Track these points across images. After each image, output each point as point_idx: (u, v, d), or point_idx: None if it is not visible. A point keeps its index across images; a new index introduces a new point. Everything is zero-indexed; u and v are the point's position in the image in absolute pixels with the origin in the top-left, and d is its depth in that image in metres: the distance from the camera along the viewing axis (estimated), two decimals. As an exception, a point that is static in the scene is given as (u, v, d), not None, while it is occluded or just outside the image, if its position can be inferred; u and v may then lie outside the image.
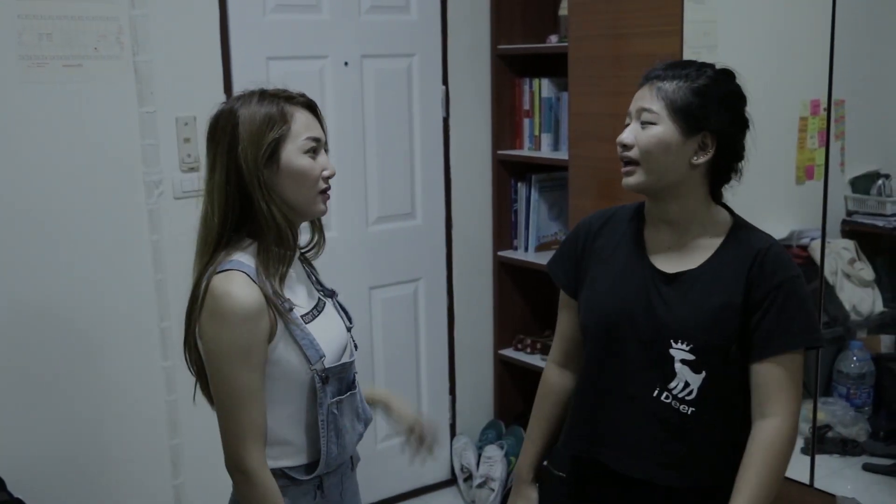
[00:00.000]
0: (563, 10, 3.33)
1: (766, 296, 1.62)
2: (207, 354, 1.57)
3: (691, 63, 1.67)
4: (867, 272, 2.99)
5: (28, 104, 2.55)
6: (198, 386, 1.69)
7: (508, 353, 3.67)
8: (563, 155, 3.26)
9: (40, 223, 2.60)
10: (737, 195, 1.76)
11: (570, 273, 1.84)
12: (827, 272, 2.87)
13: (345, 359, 1.68)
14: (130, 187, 2.74)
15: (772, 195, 2.92)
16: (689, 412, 1.65)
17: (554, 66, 3.38)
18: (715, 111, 1.62)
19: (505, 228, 3.64)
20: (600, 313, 1.73)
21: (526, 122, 3.52)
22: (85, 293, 2.69)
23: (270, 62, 2.98)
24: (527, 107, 3.51)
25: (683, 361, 1.64)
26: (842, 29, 2.44)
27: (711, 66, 1.66)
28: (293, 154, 1.58)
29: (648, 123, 1.63)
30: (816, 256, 2.71)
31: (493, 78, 3.52)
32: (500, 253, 3.63)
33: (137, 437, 2.82)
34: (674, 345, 1.64)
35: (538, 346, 3.58)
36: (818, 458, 2.64)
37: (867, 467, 2.75)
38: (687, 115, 1.61)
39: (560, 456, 1.86)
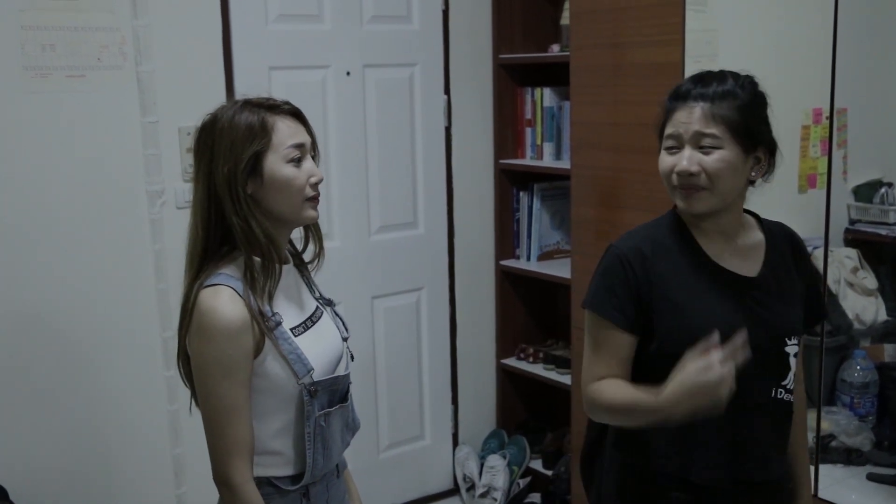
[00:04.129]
0: (565, 20, 3.33)
1: (809, 277, 1.79)
2: (194, 368, 1.58)
3: (724, 77, 1.64)
4: (870, 281, 2.98)
5: (31, 114, 2.55)
6: (193, 398, 1.69)
7: (511, 362, 3.66)
8: (564, 164, 3.26)
9: (43, 233, 2.60)
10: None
11: (628, 310, 1.67)
12: (830, 281, 2.87)
13: (339, 371, 1.68)
14: (133, 197, 2.74)
15: (774, 204, 2.90)
16: (791, 399, 1.74)
17: (555, 75, 3.38)
18: (763, 124, 1.65)
19: (507, 237, 3.64)
20: (709, 335, 1.56)
21: (528, 131, 3.52)
22: (87, 303, 2.69)
23: (273, 72, 2.99)
24: (528, 116, 3.51)
25: (795, 355, 1.72)
26: (844, 37, 2.44)
27: (740, 76, 1.66)
28: (276, 165, 1.57)
29: (711, 148, 1.60)
30: (819, 265, 2.70)
31: (494, 87, 3.53)
32: (502, 262, 3.62)
33: (140, 447, 2.82)
34: (788, 342, 1.70)
35: (540, 355, 3.57)
36: (822, 467, 2.63)
37: (871, 477, 2.74)
38: (746, 135, 1.61)
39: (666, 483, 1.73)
